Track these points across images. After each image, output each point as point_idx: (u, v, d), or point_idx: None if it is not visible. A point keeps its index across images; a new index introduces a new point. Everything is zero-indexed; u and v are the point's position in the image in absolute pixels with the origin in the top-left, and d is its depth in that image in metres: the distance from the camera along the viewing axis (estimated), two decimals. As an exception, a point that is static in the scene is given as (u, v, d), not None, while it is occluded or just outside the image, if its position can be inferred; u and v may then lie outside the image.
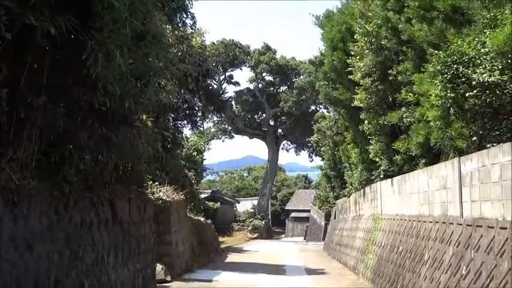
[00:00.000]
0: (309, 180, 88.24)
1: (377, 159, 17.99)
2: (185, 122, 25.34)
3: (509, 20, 8.97)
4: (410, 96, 13.34)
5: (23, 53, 6.91)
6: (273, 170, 65.99)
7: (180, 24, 14.67)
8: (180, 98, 21.59)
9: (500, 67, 8.95)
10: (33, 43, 6.71)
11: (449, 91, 9.76)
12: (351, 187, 26.34)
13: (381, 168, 17.72)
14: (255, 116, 64.93)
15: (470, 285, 8.57)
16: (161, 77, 11.03)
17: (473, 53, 9.50)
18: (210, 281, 17.43)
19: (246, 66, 61.26)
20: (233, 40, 59.77)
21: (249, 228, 55.16)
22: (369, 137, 18.24)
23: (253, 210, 61.14)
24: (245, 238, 51.46)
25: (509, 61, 8.86)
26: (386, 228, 16.20)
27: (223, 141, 65.49)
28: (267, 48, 60.90)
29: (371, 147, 18.07)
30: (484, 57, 9.29)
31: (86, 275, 8.76)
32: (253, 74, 61.55)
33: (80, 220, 8.67)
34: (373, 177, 19.51)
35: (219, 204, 48.91)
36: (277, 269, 22.58)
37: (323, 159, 42.92)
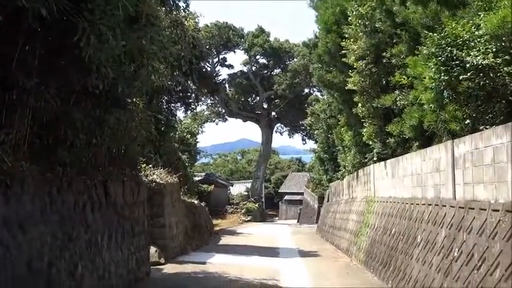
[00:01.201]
0: (303, 163, 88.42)
1: (370, 142, 18.02)
2: (179, 104, 25.27)
3: (503, 3, 8.95)
4: (404, 79, 13.33)
5: (15, 34, 6.85)
6: (266, 153, 66.03)
7: (173, 8, 14.57)
8: (174, 80, 21.47)
9: (494, 50, 8.96)
10: (24, 25, 6.65)
11: (443, 74, 9.75)
12: (344, 170, 26.41)
13: (374, 151, 17.76)
14: (249, 99, 64.79)
15: (462, 266, 8.63)
16: (154, 60, 10.99)
17: (468, 36, 9.49)
18: (204, 263, 17.50)
19: (239, 49, 60.99)
20: (227, 23, 59.47)
21: (243, 211, 55.35)
22: (362, 120, 18.25)
23: (246, 193, 61.32)
24: (239, 221, 51.64)
25: (503, 44, 8.86)
26: (379, 210, 16.28)
27: (217, 124, 65.40)
28: (261, 30, 60.56)
29: (364, 130, 18.09)
30: (478, 39, 9.30)
31: (80, 257, 8.79)
32: (247, 57, 61.29)
33: (73, 202, 8.66)
34: (366, 160, 19.55)
35: (212, 187, 48.91)
36: (270, 251, 22.70)
37: (316, 142, 42.99)
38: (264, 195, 67.19)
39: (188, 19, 19.48)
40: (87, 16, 7.12)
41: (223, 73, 62.05)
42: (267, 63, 61.73)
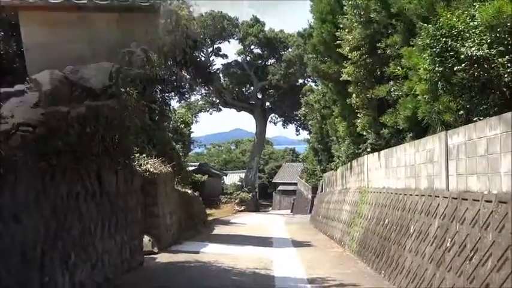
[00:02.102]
0: (296, 153, 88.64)
1: (364, 133, 18.04)
2: (173, 94, 25.20)
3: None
4: (398, 69, 13.31)
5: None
6: (260, 143, 66.10)
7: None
8: (168, 70, 21.39)
9: (488, 41, 8.94)
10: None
11: (437, 65, 9.74)
12: (338, 160, 26.45)
13: (368, 141, 17.80)
14: (243, 89, 64.77)
15: (454, 257, 8.67)
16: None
17: (462, 27, 9.46)
18: (197, 252, 17.52)
19: (234, 38, 60.90)
20: (221, 12, 59.19)
21: (237, 201, 55.49)
22: (356, 110, 18.24)
23: (240, 183, 61.49)
24: (232, 211, 51.78)
25: (497, 35, 8.84)
26: (373, 201, 16.32)
27: (211, 114, 65.48)
28: (256, 20, 60.42)
29: (358, 120, 18.09)
30: (473, 30, 9.26)
31: (73, 247, 8.77)
32: (242, 47, 61.17)
33: (66, 192, 8.63)
34: (360, 151, 19.58)
35: (206, 177, 48.90)
36: (264, 241, 22.75)
37: (310, 132, 43.04)
38: (258, 185, 67.35)
39: (182, 8, 19.42)
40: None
41: (218, 63, 62.30)
42: (261, 53, 61.65)
